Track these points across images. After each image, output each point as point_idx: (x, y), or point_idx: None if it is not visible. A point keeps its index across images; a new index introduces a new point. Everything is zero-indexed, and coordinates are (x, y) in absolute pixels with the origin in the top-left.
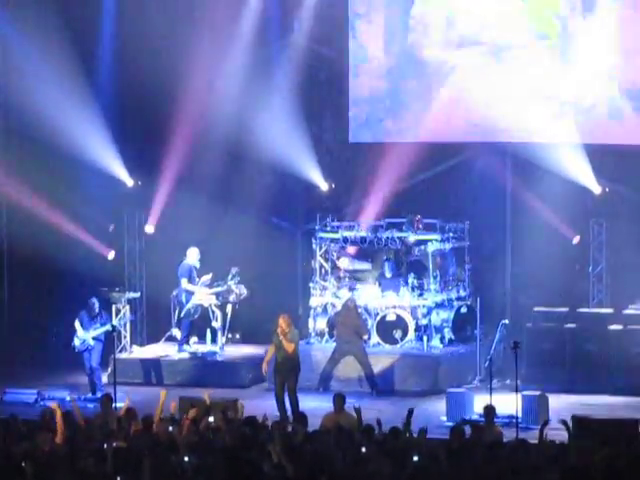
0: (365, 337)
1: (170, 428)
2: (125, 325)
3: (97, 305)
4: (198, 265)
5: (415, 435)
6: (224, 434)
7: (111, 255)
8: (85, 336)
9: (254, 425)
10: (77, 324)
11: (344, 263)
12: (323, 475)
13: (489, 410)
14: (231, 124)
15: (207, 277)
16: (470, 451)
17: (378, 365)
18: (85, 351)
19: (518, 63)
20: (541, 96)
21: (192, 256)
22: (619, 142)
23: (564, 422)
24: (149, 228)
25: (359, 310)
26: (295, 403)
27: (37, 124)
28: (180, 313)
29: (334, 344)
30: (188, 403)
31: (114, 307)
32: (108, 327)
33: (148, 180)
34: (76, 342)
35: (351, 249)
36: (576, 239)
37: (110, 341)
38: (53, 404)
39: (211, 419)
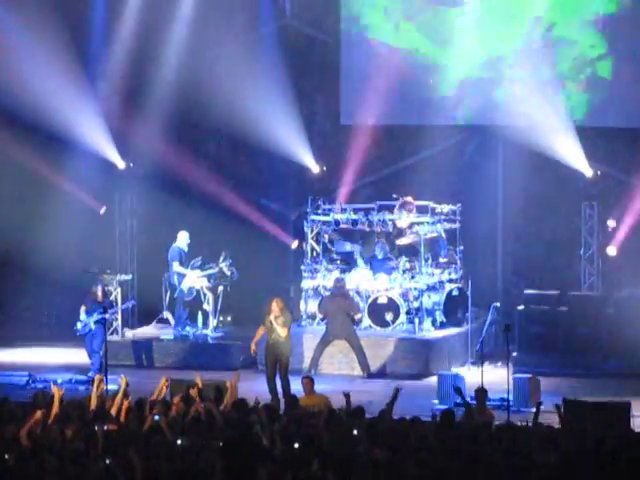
0: (359, 316)
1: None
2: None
3: (101, 291)
4: (187, 249)
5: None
6: (217, 416)
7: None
8: (87, 320)
9: (245, 409)
10: (82, 309)
11: (335, 245)
12: (314, 457)
13: (481, 393)
14: (223, 106)
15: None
16: (462, 434)
17: (369, 348)
18: (87, 334)
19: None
20: (533, 77)
21: (182, 239)
22: (611, 125)
23: (558, 407)
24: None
25: (349, 291)
26: (287, 385)
27: (27, 106)
28: (173, 295)
29: (325, 326)
30: (179, 386)
31: (105, 289)
32: (106, 315)
33: (140, 162)
34: (78, 326)
35: (343, 231)
36: None
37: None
38: (53, 386)
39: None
